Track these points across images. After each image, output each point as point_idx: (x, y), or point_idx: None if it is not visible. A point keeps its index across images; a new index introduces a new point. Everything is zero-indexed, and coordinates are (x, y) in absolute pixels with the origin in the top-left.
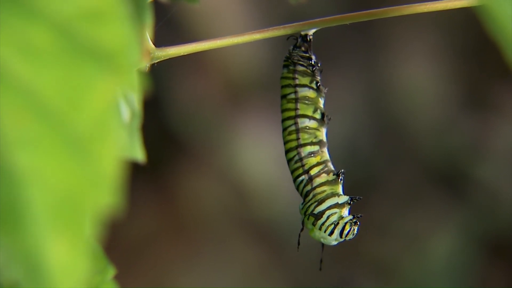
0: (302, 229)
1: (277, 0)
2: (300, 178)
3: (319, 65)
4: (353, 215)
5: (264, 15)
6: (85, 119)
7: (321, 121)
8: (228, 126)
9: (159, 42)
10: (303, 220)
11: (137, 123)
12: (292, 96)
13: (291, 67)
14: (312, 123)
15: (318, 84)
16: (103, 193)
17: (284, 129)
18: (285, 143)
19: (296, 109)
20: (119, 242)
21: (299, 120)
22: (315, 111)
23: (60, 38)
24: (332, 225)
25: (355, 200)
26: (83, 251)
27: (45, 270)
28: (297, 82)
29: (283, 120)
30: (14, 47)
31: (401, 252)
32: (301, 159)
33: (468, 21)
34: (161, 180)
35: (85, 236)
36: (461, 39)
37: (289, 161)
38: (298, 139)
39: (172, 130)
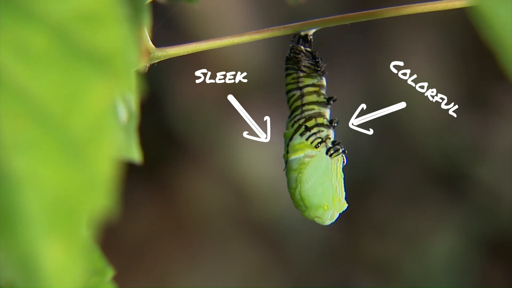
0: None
1: (277, 0)
2: (293, 93)
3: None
4: (336, 143)
5: (264, 15)
6: (81, 122)
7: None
8: (227, 126)
9: (159, 42)
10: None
11: (134, 123)
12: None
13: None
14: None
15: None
16: (99, 195)
17: (287, 69)
18: (286, 69)
19: (299, 62)
20: (119, 242)
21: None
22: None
23: (56, 41)
24: (320, 139)
25: (335, 124)
26: (78, 252)
27: (40, 271)
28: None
29: (287, 69)
30: (11, 50)
31: (401, 252)
32: (298, 77)
33: (468, 21)
34: (161, 180)
35: (80, 238)
36: (461, 39)
37: (287, 75)
38: (299, 67)
39: (172, 130)
